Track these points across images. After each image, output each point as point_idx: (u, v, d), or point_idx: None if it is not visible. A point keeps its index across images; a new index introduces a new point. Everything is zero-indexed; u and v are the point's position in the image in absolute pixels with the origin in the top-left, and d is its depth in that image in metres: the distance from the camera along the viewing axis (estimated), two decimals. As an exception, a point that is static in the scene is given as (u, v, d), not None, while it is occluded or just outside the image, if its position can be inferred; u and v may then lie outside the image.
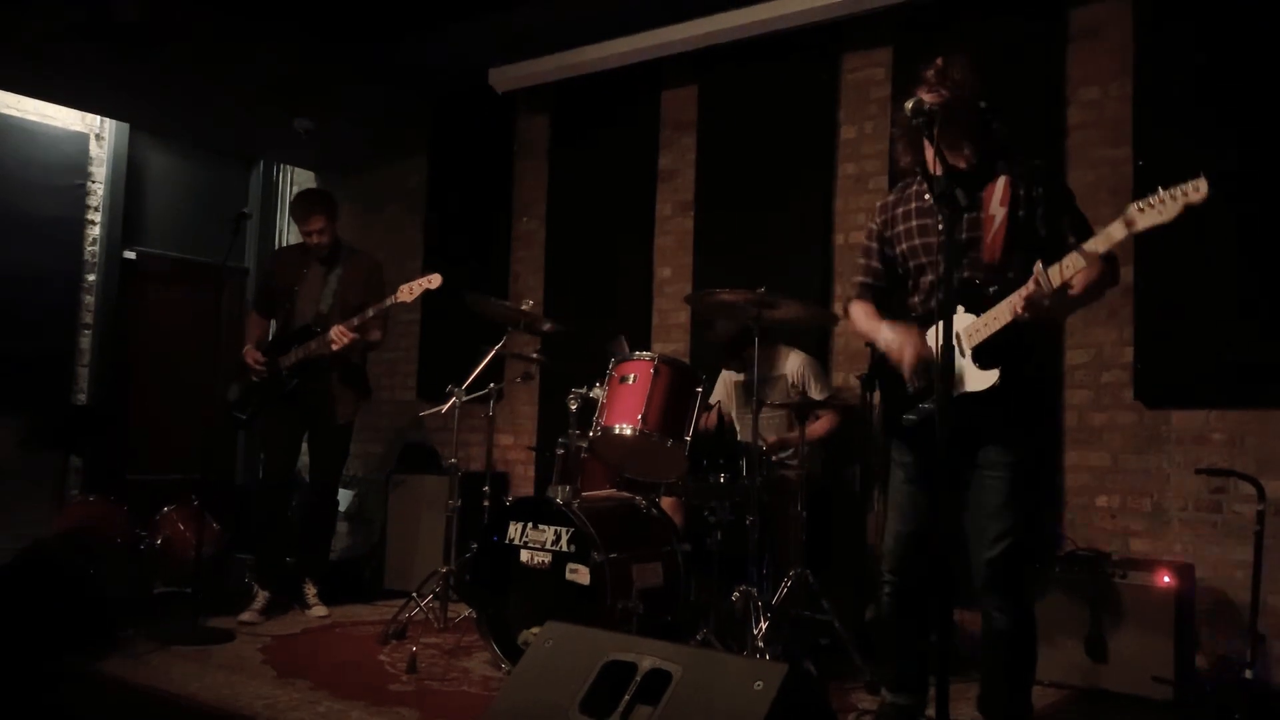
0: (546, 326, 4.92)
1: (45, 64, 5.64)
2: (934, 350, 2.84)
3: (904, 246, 3.03)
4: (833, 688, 3.77)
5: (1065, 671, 3.85)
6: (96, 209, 6.63)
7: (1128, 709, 3.69)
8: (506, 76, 6.10)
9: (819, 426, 4.52)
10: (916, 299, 3.05)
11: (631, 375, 3.97)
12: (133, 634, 4.27)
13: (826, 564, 4.30)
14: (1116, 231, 2.56)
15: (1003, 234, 2.80)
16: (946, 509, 2.76)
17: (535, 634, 2.70)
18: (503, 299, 6.20)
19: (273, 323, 5.25)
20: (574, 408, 4.23)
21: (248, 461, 7.36)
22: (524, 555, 3.91)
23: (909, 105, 2.61)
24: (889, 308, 3.15)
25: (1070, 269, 2.62)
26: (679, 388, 3.96)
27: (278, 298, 5.15)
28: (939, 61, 2.85)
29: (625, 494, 4.28)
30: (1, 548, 4.82)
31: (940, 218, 2.81)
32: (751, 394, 4.52)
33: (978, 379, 2.76)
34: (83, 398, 6.52)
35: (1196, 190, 2.42)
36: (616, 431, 3.90)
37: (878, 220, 3.13)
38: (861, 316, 3.15)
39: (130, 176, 6.81)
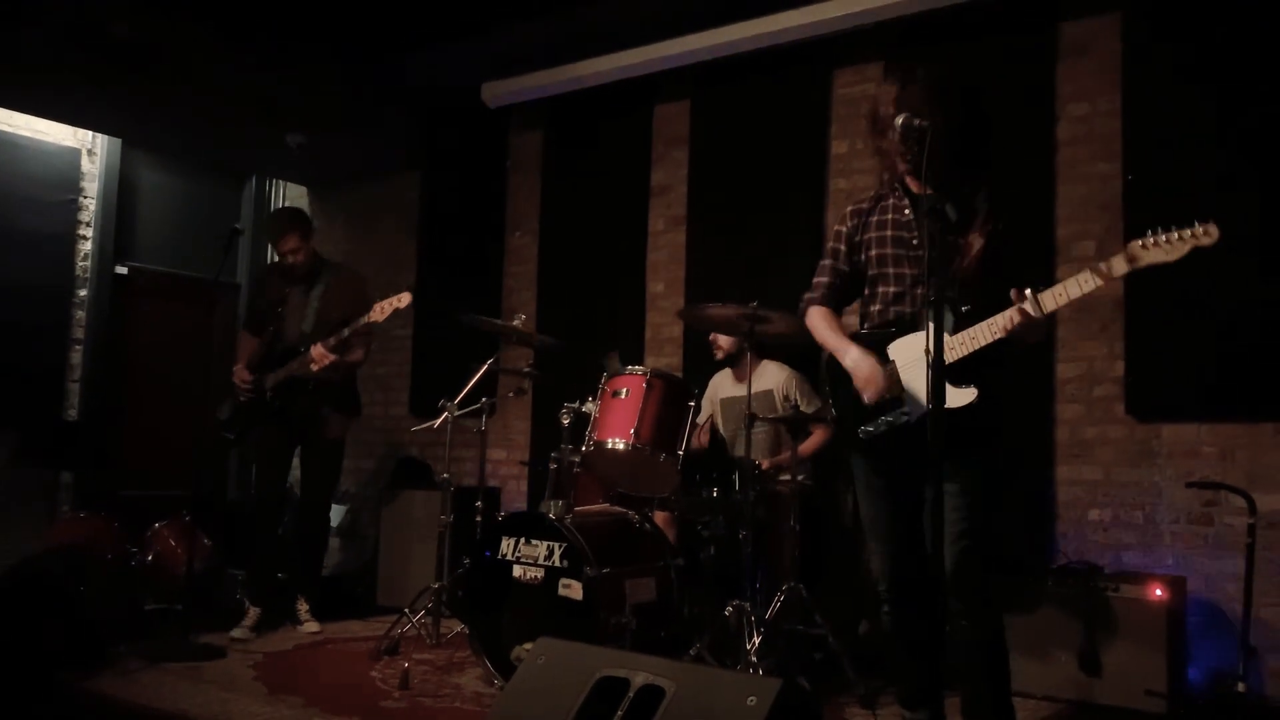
0: (538, 340, 4.93)
1: (37, 79, 5.64)
2: (893, 379, 2.88)
3: (873, 253, 3.02)
4: (827, 703, 3.76)
5: (1058, 685, 3.85)
6: (88, 224, 6.63)
7: (1121, 723, 3.70)
8: (499, 92, 6.12)
9: (810, 443, 4.52)
10: (875, 308, 3.04)
11: (624, 390, 3.98)
12: (123, 651, 4.25)
13: (820, 578, 4.30)
14: (1118, 266, 2.60)
15: (978, 259, 2.83)
16: (931, 525, 2.77)
17: (528, 650, 2.69)
18: (495, 314, 6.22)
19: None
20: (567, 422, 4.23)
21: (239, 478, 7.35)
22: (517, 570, 3.90)
23: (899, 123, 2.63)
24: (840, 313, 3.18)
25: (1064, 297, 2.64)
26: (672, 402, 3.96)
27: (264, 317, 5.13)
28: (931, 79, 2.87)
29: (618, 509, 4.27)
30: (-9, 564, 4.80)
31: (916, 234, 2.86)
32: (738, 411, 4.54)
33: (953, 396, 2.75)
34: (74, 413, 6.50)
35: (1207, 234, 2.48)
36: (609, 446, 3.91)
37: (849, 224, 3.11)
38: (823, 326, 3.15)
39: (122, 192, 6.80)
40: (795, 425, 4.18)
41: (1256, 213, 4.07)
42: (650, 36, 5.43)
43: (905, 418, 2.89)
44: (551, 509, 3.93)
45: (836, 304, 3.19)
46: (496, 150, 6.61)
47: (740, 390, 4.45)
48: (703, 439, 4.74)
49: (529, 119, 6.44)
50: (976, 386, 2.75)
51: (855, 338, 3.04)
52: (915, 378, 2.87)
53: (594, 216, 6.09)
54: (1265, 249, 4.05)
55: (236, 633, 4.76)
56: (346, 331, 4.75)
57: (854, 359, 2.97)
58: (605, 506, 4.37)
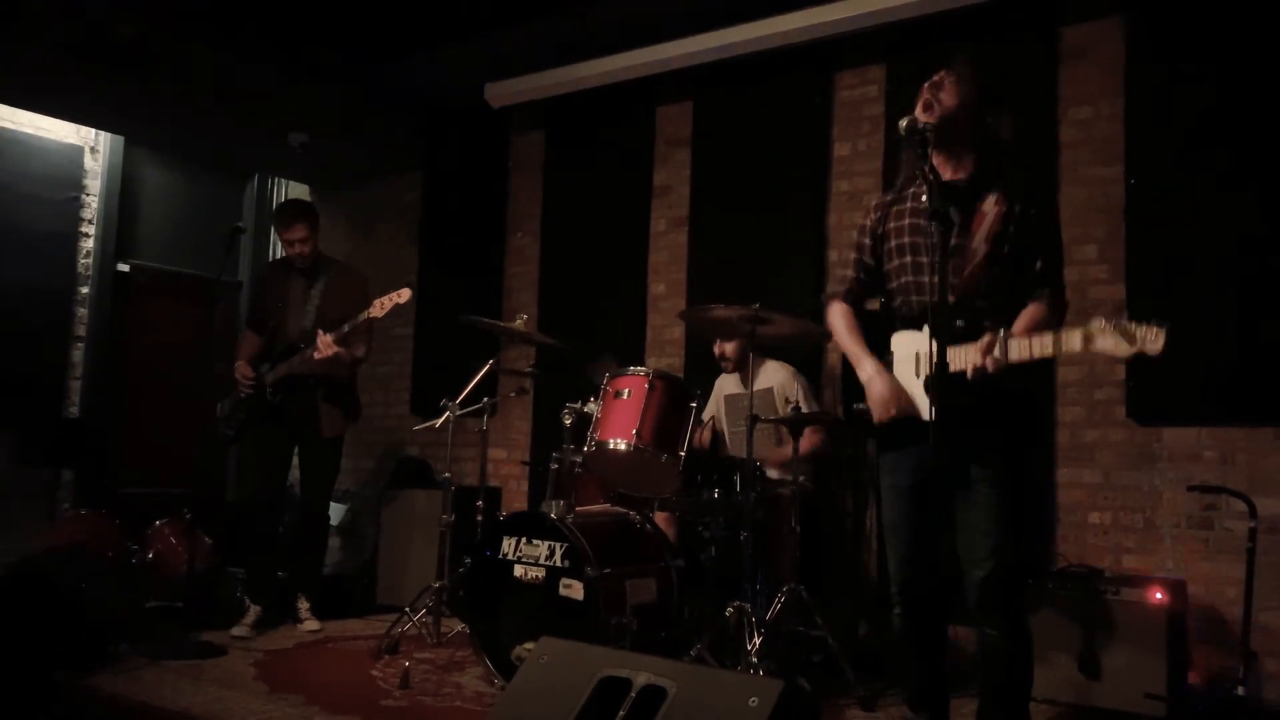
0: (540, 340, 4.93)
1: (40, 78, 5.65)
2: (905, 400, 2.88)
3: (893, 244, 3.01)
4: (827, 704, 3.77)
5: (1058, 688, 3.86)
6: (90, 222, 6.63)
7: (1120, 726, 3.70)
8: (502, 92, 6.12)
9: (805, 443, 4.51)
10: (897, 301, 3.03)
11: (626, 390, 3.98)
12: (124, 649, 4.25)
13: (820, 580, 4.31)
14: (1073, 342, 2.60)
15: (982, 265, 2.82)
16: (944, 527, 2.78)
17: (529, 649, 2.70)
18: (496, 314, 6.23)
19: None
20: (568, 422, 4.24)
21: (240, 476, 7.35)
22: (517, 570, 3.90)
23: (903, 124, 2.64)
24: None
25: (1027, 350, 2.64)
26: (673, 403, 3.97)
27: (265, 314, 5.14)
28: (937, 77, 2.88)
29: (619, 509, 4.28)
30: (-8, 562, 4.81)
31: (933, 225, 2.84)
32: (740, 408, 4.54)
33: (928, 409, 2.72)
34: (75, 411, 6.50)
35: (1155, 341, 2.54)
36: (611, 446, 3.91)
37: (871, 217, 3.10)
38: (842, 327, 3.13)
39: (125, 190, 6.82)
40: (795, 425, 4.18)
41: (1257, 216, 4.08)
42: (652, 38, 5.44)
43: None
44: (553, 509, 3.93)
45: (859, 299, 3.17)
46: (498, 151, 6.61)
47: (742, 388, 4.45)
48: (704, 438, 4.74)
49: (531, 119, 6.44)
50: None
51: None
52: (904, 374, 2.89)
53: (595, 217, 6.09)
54: (1266, 253, 4.05)
55: (237, 630, 4.77)
56: (347, 327, 4.75)
57: (868, 375, 2.96)
58: (606, 507, 4.37)
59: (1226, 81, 4.20)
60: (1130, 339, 2.52)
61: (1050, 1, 4.65)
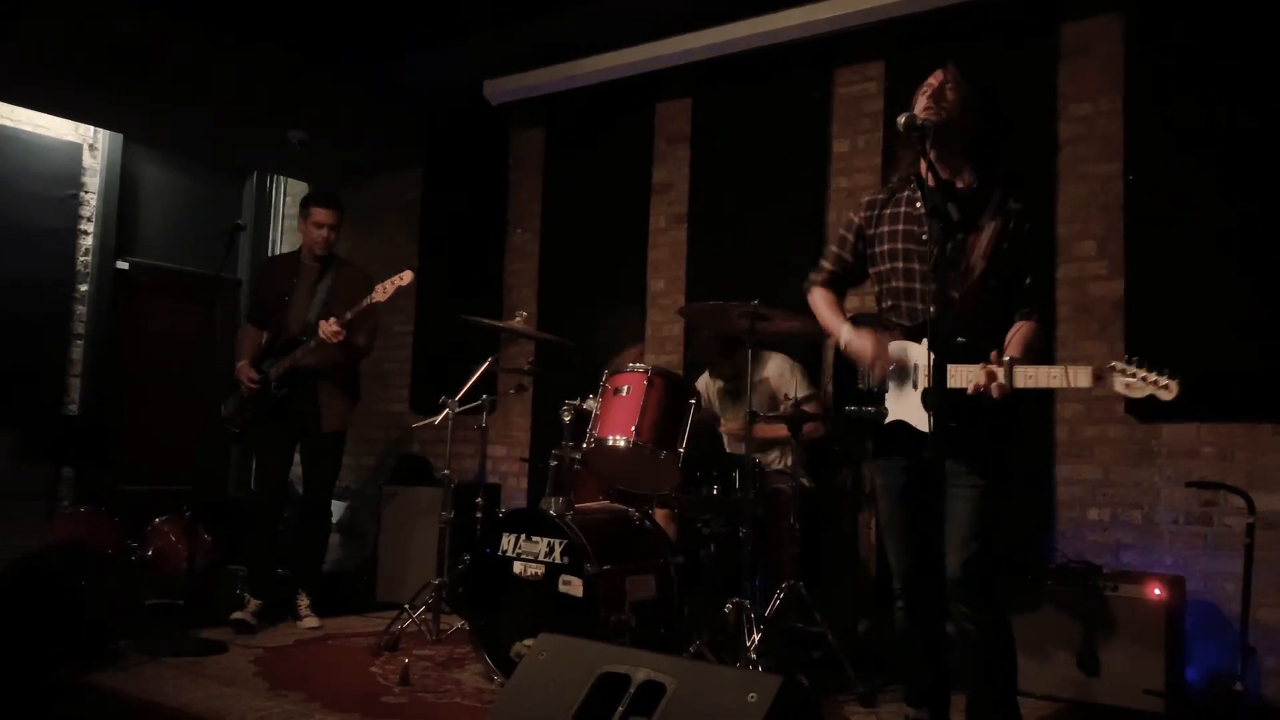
0: (542, 337, 4.93)
1: (39, 74, 5.64)
2: (899, 357, 2.88)
3: (885, 247, 3.00)
4: (826, 700, 3.77)
5: (1057, 685, 3.86)
6: (89, 219, 6.63)
7: (1119, 722, 3.71)
8: (501, 89, 6.12)
9: (808, 427, 4.50)
10: (887, 303, 3.03)
11: (625, 387, 3.98)
12: (124, 646, 4.25)
13: (819, 577, 4.31)
14: (1082, 379, 2.61)
15: (980, 281, 2.82)
16: (939, 526, 2.78)
17: (528, 646, 2.71)
18: (496, 311, 6.23)
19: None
20: (567, 419, 4.23)
21: (240, 473, 7.35)
22: (517, 567, 3.91)
23: (902, 120, 2.64)
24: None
25: (1033, 380, 2.64)
26: (672, 400, 3.97)
27: (269, 308, 5.14)
28: (935, 80, 2.87)
29: (618, 506, 4.28)
30: (-7, 559, 4.81)
31: (926, 229, 2.83)
32: (735, 401, 4.54)
33: (925, 421, 2.70)
34: (74, 409, 6.50)
35: (1168, 390, 2.57)
36: (610, 443, 3.91)
37: (861, 215, 3.09)
38: (823, 305, 3.15)
39: (124, 187, 6.81)
40: (794, 424, 4.18)
41: (1257, 213, 4.08)
42: (652, 34, 5.44)
43: (881, 416, 2.89)
44: (552, 506, 3.93)
45: (837, 288, 3.19)
46: (498, 148, 6.61)
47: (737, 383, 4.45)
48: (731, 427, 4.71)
49: (530, 116, 6.44)
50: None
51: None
52: (896, 382, 2.89)
53: (595, 214, 6.09)
54: (1265, 249, 4.06)
55: (238, 614, 4.79)
56: (350, 314, 4.76)
57: (846, 338, 2.98)
58: (606, 504, 4.37)
59: (1226, 77, 4.20)
60: (1143, 387, 2.54)
61: (1050, -2, 4.66)
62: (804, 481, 4.24)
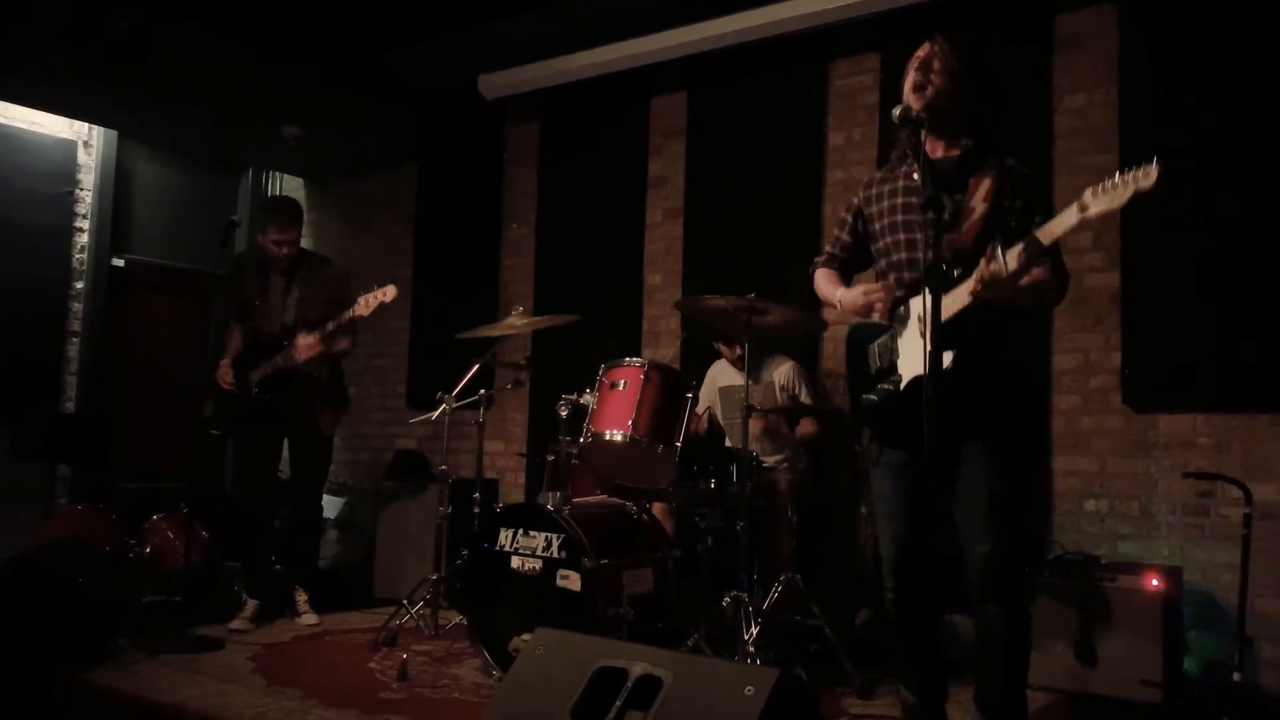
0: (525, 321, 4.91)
1: (33, 71, 5.62)
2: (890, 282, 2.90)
3: (885, 222, 3.00)
4: (823, 693, 3.77)
5: (1054, 675, 3.87)
6: (85, 216, 6.61)
7: (1116, 713, 3.71)
8: (496, 84, 6.11)
9: (804, 429, 4.52)
10: (889, 278, 3.01)
11: (622, 381, 3.98)
12: (121, 644, 4.25)
13: (816, 570, 4.31)
14: (1070, 216, 2.57)
15: (979, 226, 2.80)
16: (938, 507, 2.76)
17: (526, 641, 2.70)
18: (493, 306, 6.22)
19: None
20: (564, 414, 4.23)
21: (236, 470, 7.34)
22: (514, 562, 3.91)
23: (897, 113, 2.63)
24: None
25: (1027, 252, 2.62)
26: (669, 394, 3.97)
27: (244, 309, 5.10)
28: (924, 52, 2.87)
29: (616, 500, 4.28)
30: (-10, 557, 4.80)
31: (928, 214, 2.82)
32: (735, 399, 4.54)
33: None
34: (71, 406, 6.49)
35: (1146, 176, 2.43)
36: (607, 438, 3.91)
37: (860, 195, 3.11)
38: (823, 281, 3.16)
39: (119, 184, 6.79)
40: (791, 416, 4.18)
41: (1254, 204, 4.07)
42: (647, 28, 5.43)
43: (897, 383, 2.88)
44: (549, 500, 3.94)
45: (842, 271, 3.19)
46: (493, 142, 6.60)
47: (738, 379, 4.45)
48: (701, 426, 4.74)
49: (526, 111, 6.43)
50: (954, 351, 2.65)
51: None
52: (907, 342, 2.88)
53: (591, 209, 6.09)
54: (1262, 240, 4.06)
55: (235, 624, 4.78)
56: (331, 326, 4.74)
57: (840, 294, 3.01)
58: (603, 498, 4.37)
59: (1221, 68, 4.20)
60: (1124, 187, 2.47)
61: (1045, -11, 4.65)
62: (801, 469, 4.23)
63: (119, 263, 6.82)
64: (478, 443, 4.97)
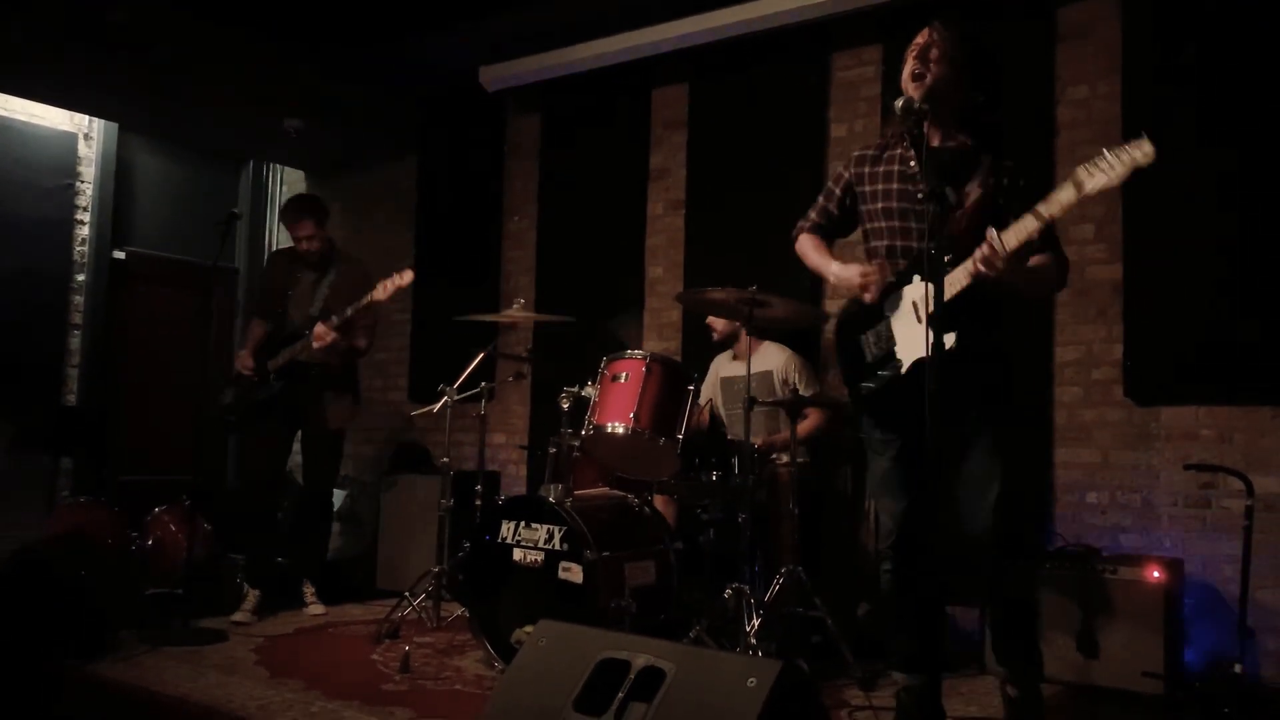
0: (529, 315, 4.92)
1: (33, 64, 5.62)
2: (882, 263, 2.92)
3: (879, 205, 3.00)
4: (825, 685, 3.78)
5: (1056, 667, 3.86)
6: (85, 209, 6.61)
7: (1118, 704, 3.71)
8: (497, 75, 6.09)
9: (806, 425, 4.52)
10: (880, 260, 3.04)
11: (624, 374, 3.98)
12: (124, 636, 4.26)
13: (818, 561, 4.31)
14: (1066, 194, 2.57)
15: (974, 210, 2.81)
16: (936, 486, 2.77)
17: (528, 633, 2.70)
18: (494, 298, 6.22)
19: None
20: (566, 406, 4.23)
21: (239, 463, 7.35)
22: (517, 554, 3.91)
23: (899, 105, 2.63)
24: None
25: (1024, 232, 2.62)
26: (671, 386, 3.97)
27: (272, 301, 5.14)
28: (922, 39, 2.86)
29: (618, 492, 4.28)
30: (-7, 551, 4.81)
31: (921, 187, 2.82)
32: (737, 391, 4.54)
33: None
34: (72, 399, 6.50)
35: (1143, 152, 2.43)
36: (609, 430, 3.91)
37: (851, 170, 3.11)
38: (811, 250, 3.18)
39: (119, 177, 6.79)
40: (793, 408, 4.18)
41: (1256, 194, 4.07)
42: (649, 19, 5.41)
43: (898, 368, 2.88)
44: (551, 492, 3.94)
45: (825, 238, 3.22)
46: (494, 135, 6.58)
47: (739, 370, 4.46)
48: (703, 418, 4.73)
49: (526, 103, 6.41)
50: (957, 332, 2.68)
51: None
52: (903, 328, 2.88)
53: (592, 200, 6.07)
54: (1265, 232, 4.05)
55: (237, 616, 4.79)
56: (350, 310, 4.75)
57: (834, 270, 3.03)
58: (605, 490, 4.38)
59: (1224, 59, 4.18)
60: (1120, 163, 2.47)
61: (1047, -20, 4.64)
62: (802, 461, 4.23)
63: (120, 255, 6.82)
64: (480, 435, 4.98)
